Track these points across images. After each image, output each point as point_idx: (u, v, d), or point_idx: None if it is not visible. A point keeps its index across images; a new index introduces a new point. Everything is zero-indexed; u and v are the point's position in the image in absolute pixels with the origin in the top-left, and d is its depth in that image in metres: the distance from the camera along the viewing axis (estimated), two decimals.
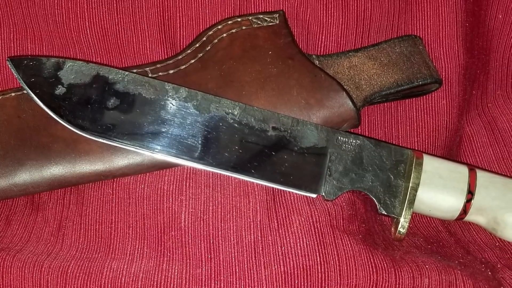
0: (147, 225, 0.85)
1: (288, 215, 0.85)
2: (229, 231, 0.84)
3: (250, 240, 0.83)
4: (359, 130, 1.03)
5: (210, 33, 0.96)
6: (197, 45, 0.95)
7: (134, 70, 0.93)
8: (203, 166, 0.86)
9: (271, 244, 0.83)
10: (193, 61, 0.94)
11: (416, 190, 0.88)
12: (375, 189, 0.88)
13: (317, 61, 0.97)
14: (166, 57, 0.99)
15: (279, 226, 0.84)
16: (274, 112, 0.88)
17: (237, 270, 0.81)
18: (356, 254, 0.82)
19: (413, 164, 0.89)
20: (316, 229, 0.84)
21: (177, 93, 0.87)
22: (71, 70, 0.86)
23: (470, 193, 0.89)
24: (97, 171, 0.89)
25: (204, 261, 0.81)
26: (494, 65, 1.11)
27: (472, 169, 0.91)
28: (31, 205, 0.92)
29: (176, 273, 0.81)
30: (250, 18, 0.97)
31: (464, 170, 0.91)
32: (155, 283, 0.80)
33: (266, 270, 0.80)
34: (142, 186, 0.89)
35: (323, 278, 0.80)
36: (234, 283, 0.80)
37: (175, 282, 0.80)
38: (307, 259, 0.81)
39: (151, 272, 0.81)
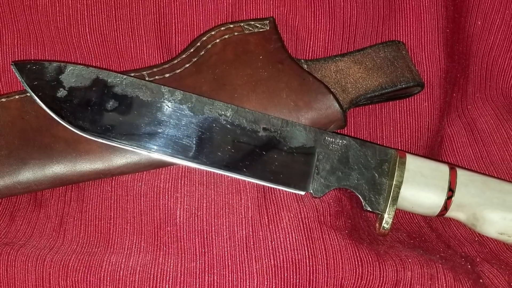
0: (144, 221, 0.85)
1: (278, 211, 0.86)
2: (222, 227, 0.84)
3: (242, 235, 0.83)
4: (345, 131, 1.03)
5: (204, 38, 0.96)
6: (192, 50, 0.95)
7: (132, 74, 0.93)
8: (197, 165, 0.86)
9: (262, 239, 0.83)
10: (188, 65, 0.94)
11: (399, 188, 0.88)
12: (360, 186, 0.88)
13: (305, 65, 0.97)
14: (162, 61, 0.99)
15: (270, 222, 0.84)
16: (264, 113, 0.88)
17: (229, 263, 0.81)
18: (343, 248, 0.83)
19: (397, 163, 0.89)
20: (304, 225, 0.84)
21: (172, 96, 0.87)
22: (72, 74, 0.86)
23: (451, 190, 0.89)
24: (97, 169, 0.89)
25: (198, 255, 0.81)
26: (474, 69, 1.11)
27: (452, 167, 0.91)
28: (34, 202, 0.92)
29: (171, 267, 0.81)
30: (242, 24, 0.97)
31: (445, 169, 0.91)
32: (152, 276, 0.80)
33: (257, 264, 0.81)
34: (140, 184, 0.89)
35: (311, 271, 0.80)
36: (227, 276, 0.80)
37: (171, 275, 0.80)
38: (296, 253, 0.81)
39: (148, 265, 0.81)
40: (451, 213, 0.91)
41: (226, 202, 0.86)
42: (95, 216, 0.87)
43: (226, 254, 0.82)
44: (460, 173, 0.91)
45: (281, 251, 0.81)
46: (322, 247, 0.82)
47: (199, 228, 0.84)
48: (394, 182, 0.88)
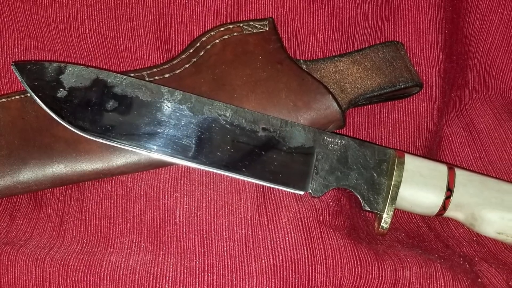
0: (144, 220, 0.85)
1: (277, 211, 0.86)
2: (221, 226, 0.84)
3: (241, 235, 0.83)
4: (344, 131, 1.03)
5: (204, 39, 0.96)
6: (191, 50, 0.95)
7: (132, 74, 0.93)
8: (197, 164, 0.86)
9: (261, 239, 0.83)
10: (187, 65, 0.94)
11: (398, 188, 0.88)
12: (359, 186, 0.88)
13: (304, 66, 0.97)
14: (162, 62, 0.99)
15: (269, 221, 0.84)
16: (264, 114, 0.89)
17: (229, 263, 0.81)
18: (342, 248, 0.83)
19: (395, 163, 0.89)
20: (303, 225, 0.84)
21: (172, 96, 0.87)
22: (72, 74, 0.86)
23: (449, 190, 0.89)
24: (97, 169, 0.89)
25: (198, 255, 0.82)
26: (472, 70, 1.11)
27: (451, 167, 0.91)
28: (34, 201, 0.92)
29: (171, 266, 0.81)
30: (241, 25, 0.97)
31: (443, 169, 0.91)
32: (152, 275, 0.80)
33: (257, 263, 0.81)
34: (139, 183, 0.89)
35: (310, 271, 0.81)
36: (226, 275, 0.80)
37: (170, 275, 0.80)
38: (295, 252, 0.81)
39: (147, 265, 0.81)
40: (450, 212, 0.91)
41: (226, 201, 0.86)
42: (95, 216, 0.87)
43: (225, 254, 0.82)
44: (459, 173, 0.91)
45: (280, 250, 0.81)
46: (321, 246, 0.82)
47: (198, 228, 0.84)
48: (392, 182, 0.88)
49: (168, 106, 0.86)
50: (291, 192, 0.88)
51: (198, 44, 0.96)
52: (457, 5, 1.08)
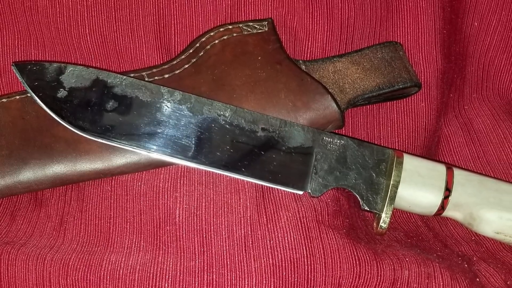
0: (143, 220, 0.85)
1: (276, 211, 0.86)
2: (221, 226, 0.84)
3: (240, 235, 0.83)
4: (343, 131, 1.03)
5: (203, 39, 0.96)
6: (191, 51, 0.95)
7: (132, 75, 0.93)
8: (196, 164, 0.86)
9: (260, 238, 0.83)
10: (187, 66, 0.94)
11: (396, 187, 0.88)
12: (358, 186, 0.88)
13: (303, 66, 0.97)
14: (161, 62, 0.99)
15: (268, 221, 0.84)
16: (263, 114, 0.89)
17: (228, 262, 0.81)
18: (340, 247, 0.83)
19: (394, 163, 0.89)
20: (302, 224, 0.84)
21: (172, 96, 0.87)
22: (72, 75, 0.86)
23: (448, 190, 0.89)
24: (97, 169, 0.89)
25: (197, 254, 0.82)
26: (470, 70, 1.11)
27: (449, 167, 0.91)
28: (35, 201, 0.92)
29: (171, 266, 0.81)
30: (241, 25, 0.97)
31: (442, 169, 0.91)
32: (151, 275, 0.80)
33: (256, 263, 0.81)
34: (139, 183, 0.89)
35: (309, 270, 0.80)
36: (226, 274, 0.80)
37: (170, 274, 0.80)
38: (294, 252, 0.81)
39: (147, 264, 0.81)
40: (448, 212, 0.91)
41: (225, 201, 0.86)
42: (95, 216, 0.87)
43: (225, 253, 0.82)
44: (457, 172, 0.91)
45: (280, 250, 0.81)
46: (320, 246, 0.82)
47: (198, 228, 0.84)
48: (391, 182, 0.88)
49: (167, 106, 0.86)
50: (290, 192, 0.88)
51: (197, 45, 0.96)
52: (456, 6, 1.08)
